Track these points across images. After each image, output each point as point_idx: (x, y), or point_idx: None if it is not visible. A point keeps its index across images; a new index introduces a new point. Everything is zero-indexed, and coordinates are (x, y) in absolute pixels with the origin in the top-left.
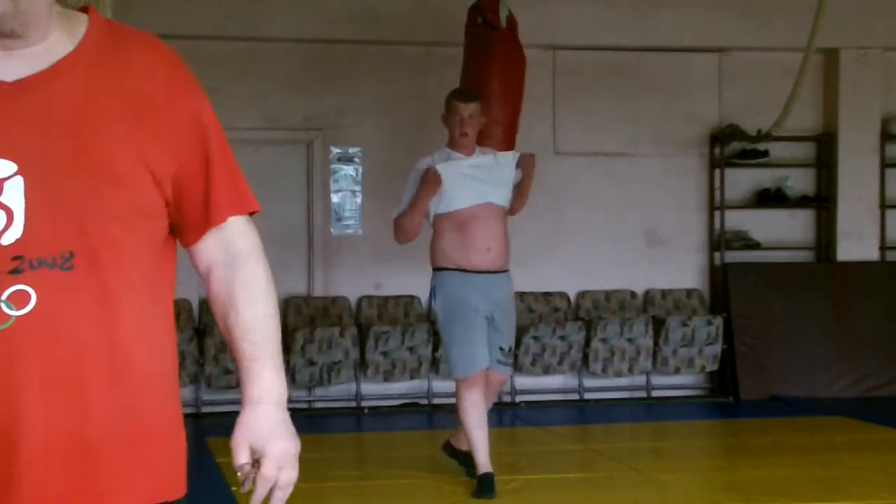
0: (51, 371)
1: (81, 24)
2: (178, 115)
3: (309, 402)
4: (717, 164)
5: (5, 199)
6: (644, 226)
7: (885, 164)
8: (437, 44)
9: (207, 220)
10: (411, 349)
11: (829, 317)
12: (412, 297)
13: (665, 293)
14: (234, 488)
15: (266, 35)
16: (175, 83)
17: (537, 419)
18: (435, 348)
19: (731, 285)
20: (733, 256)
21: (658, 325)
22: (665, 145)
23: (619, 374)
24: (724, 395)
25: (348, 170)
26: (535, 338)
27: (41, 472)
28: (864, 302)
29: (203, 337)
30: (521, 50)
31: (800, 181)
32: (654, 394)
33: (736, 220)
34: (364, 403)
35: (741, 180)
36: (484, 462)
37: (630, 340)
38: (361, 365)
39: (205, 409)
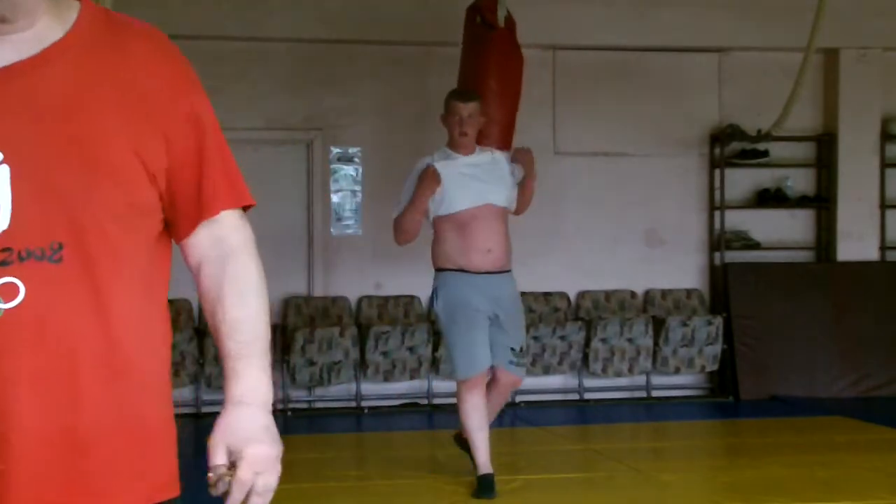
0: (41, 365)
1: (73, 10)
2: (175, 108)
3: (309, 402)
4: (717, 164)
5: None
6: (644, 226)
7: (885, 164)
8: (437, 44)
9: (200, 212)
10: (411, 349)
11: (829, 317)
12: (412, 297)
13: (665, 293)
14: None
15: (266, 35)
16: (172, 76)
17: (537, 419)
18: (435, 348)
19: (731, 285)
20: (733, 256)
21: (658, 325)
22: (665, 145)
23: (619, 374)
24: (724, 395)
25: (348, 170)
26: (535, 338)
27: (33, 469)
28: (864, 302)
29: (203, 337)
30: (519, 50)
31: (800, 181)
32: (654, 394)
33: (736, 220)
34: (364, 403)
35: (741, 180)
36: (484, 462)
37: (630, 340)
38: (361, 365)
39: (205, 409)
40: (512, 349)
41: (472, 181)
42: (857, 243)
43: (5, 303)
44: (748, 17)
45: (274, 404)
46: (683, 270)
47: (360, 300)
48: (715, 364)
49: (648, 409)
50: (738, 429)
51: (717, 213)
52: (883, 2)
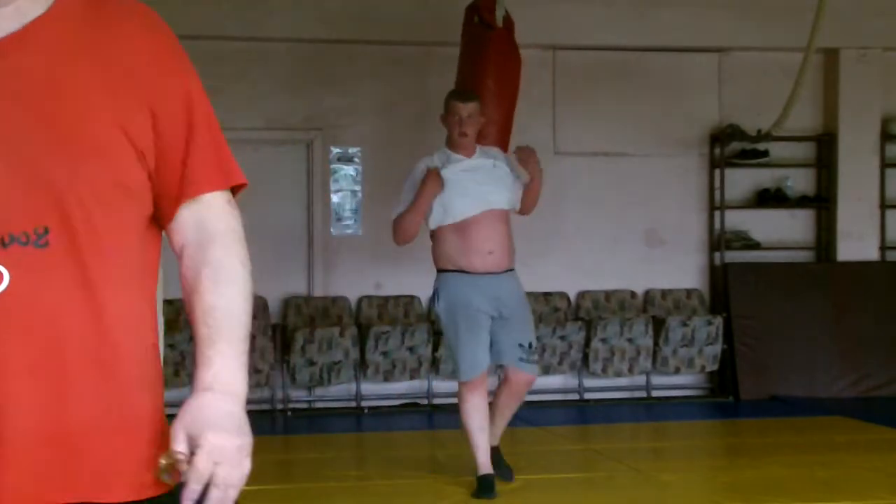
0: (29, 355)
1: None
2: (162, 83)
3: (309, 402)
4: (717, 164)
5: None
6: (644, 226)
7: (885, 164)
8: (437, 44)
9: (182, 190)
10: (411, 349)
11: (829, 317)
12: (412, 297)
13: (665, 293)
14: None
15: (266, 35)
16: (159, 51)
17: (537, 419)
18: (435, 348)
19: (731, 285)
20: (733, 256)
21: (658, 325)
22: (665, 145)
23: (619, 374)
24: (724, 395)
25: (348, 170)
26: (536, 338)
27: (24, 460)
28: (864, 302)
29: None
30: (517, 50)
31: (800, 181)
32: (654, 394)
33: (736, 220)
34: (364, 403)
35: (741, 180)
36: (484, 462)
37: (630, 340)
38: (361, 365)
39: None
40: (521, 345)
41: (473, 187)
42: (857, 243)
43: None
44: (748, 17)
45: (274, 404)
46: (683, 270)
47: (360, 300)
48: (715, 364)
49: (648, 409)
50: (738, 429)
51: (717, 213)
52: (883, 2)
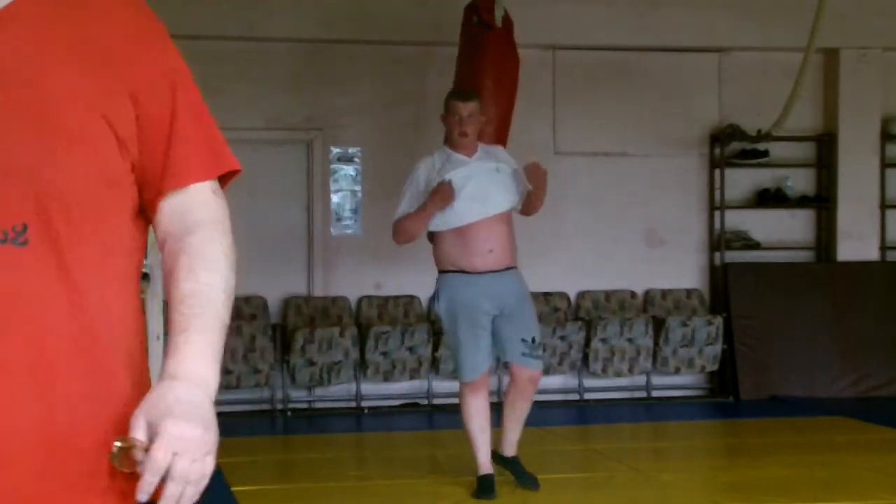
0: (12, 356)
1: None
2: (144, 67)
3: (309, 402)
4: (717, 164)
5: None
6: (644, 226)
7: (885, 164)
8: (437, 44)
9: (166, 181)
10: (411, 349)
11: (829, 317)
12: (412, 297)
13: (665, 293)
14: (234, 488)
15: (265, 35)
16: (138, 30)
17: (537, 419)
18: (435, 348)
19: (731, 285)
20: (733, 256)
21: (658, 325)
22: (665, 145)
23: (619, 374)
24: (724, 395)
25: (348, 170)
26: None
27: (11, 462)
28: (864, 302)
29: None
30: (515, 50)
31: (800, 181)
32: (654, 394)
33: (736, 220)
34: (364, 403)
35: (741, 180)
36: (485, 463)
37: (630, 340)
38: (361, 365)
39: None
40: (523, 340)
41: (474, 192)
42: (857, 243)
43: None
44: (748, 17)
45: (274, 404)
46: (683, 270)
47: (360, 300)
48: (715, 364)
49: (648, 409)
50: (738, 429)
51: (717, 213)
52: (883, 2)
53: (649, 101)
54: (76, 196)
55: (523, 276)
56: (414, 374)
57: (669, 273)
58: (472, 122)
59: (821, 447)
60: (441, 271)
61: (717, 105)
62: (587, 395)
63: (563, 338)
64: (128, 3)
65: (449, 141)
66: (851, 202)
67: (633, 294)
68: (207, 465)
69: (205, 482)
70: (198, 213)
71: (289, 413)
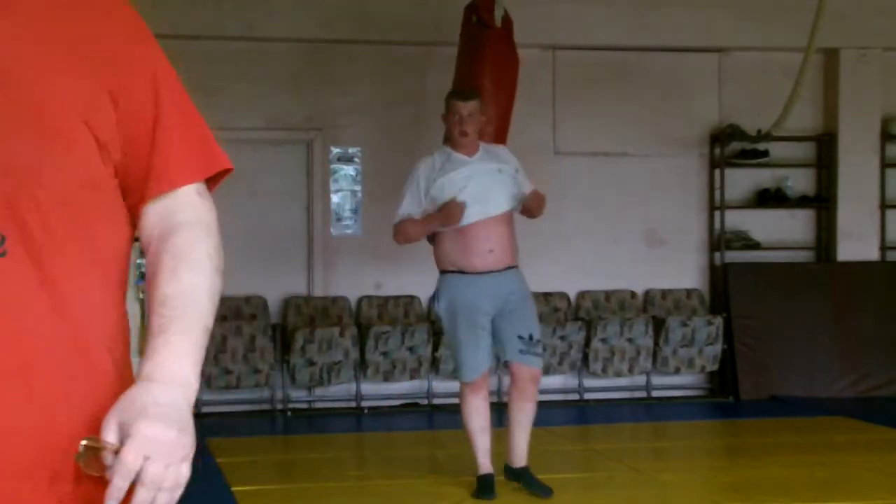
0: None
1: None
2: (122, 65)
3: (309, 402)
4: (717, 164)
5: None
6: (644, 226)
7: (885, 164)
8: (437, 44)
9: (150, 186)
10: (411, 349)
11: (829, 317)
12: (412, 297)
13: (665, 293)
14: (234, 488)
15: (265, 35)
16: (118, 29)
17: (537, 419)
18: (435, 348)
19: (731, 285)
20: (733, 256)
21: (658, 325)
22: (665, 145)
23: (619, 374)
24: (724, 395)
25: (348, 170)
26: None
27: (14, 464)
28: (864, 302)
29: None
30: (515, 50)
31: (800, 181)
32: (654, 394)
33: (736, 220)
34: (364, 403)
35: (741, 180)
36: (485, 462)
37: (630, 340)
38: (361, 365)
39: (205, 409)
40: (520, 337)
41: (475, 192)
42: (857, 243)
43: None
44: (748, 17)
45: (274, 404)
46: (683, 270)
47: (360, 300)
48: (715, 364)
49: (648, 409)
50: (738, 429)
51: (717, 213)
52: (883, 2)
53: (649, 101)
54: (56, 204)
55: (524, 276)
56: (414, 374)
57: (669, 273)
58: (473, 122)
59: (821, 447)
60: (441, 271)
61: (717, 105)
62: (587, 395)
63: (563, 338)
64: (105, 1)
65: (450, 140)
66: (851, 202)
67: (633, 294)
68: (183, 472)
69: (179, 491)
70: (182, 214)
71: (289, 413)
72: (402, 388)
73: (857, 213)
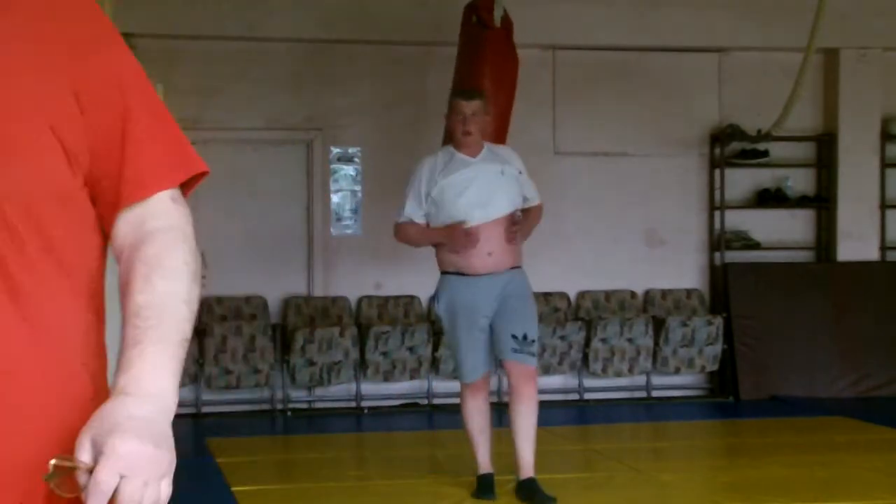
0: None
1: None
2: (88, 68)
3: (309, 402)
4: (717, 164)
5: None
6: (644, 226)
7: (885, 164)
8: (437, 44)
9: (121, 194)
10: (411, 349)
11: (829, 317)
12: (412, 297)
13: (665, 293)
14: (234, 488)
15: (265, 35)
16: (92, 29)
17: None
18: (435, 348)
19: (731, 285)
20: (733, 256)
21: (658, 325)
22: (665, 145)
23: (619, 374)
24: (724, 395)
25: (348, 170)
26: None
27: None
28: (864, 302)
29: (203, 337)
30: (514, 50)
31: (800, 181)
32: (654, 394)
33: (736, 220)
34: (364, 403)
35: (741, 180)
36: (485, 463)
37: (630, 340)
38: (361, 365)
39: (204, 409)
40: (514, 336)
41: (477, 195)
42: (857, 243)
43: None
44: (748, 17)
45: (274, 404)
46: (683, 270)
47: (360, 300)
48: (715, 364)
49: (648, 409)
50: (738, 429)
51: (717, 213)
52: (883, 2)
53: (649, 101)
54: (21, 212)
55: (527, 276)
56: (414, 374)
57: (669, 273)
58: (476, 121)
59: (821, 447)
60: (442, 272)
61: (717, 105)
62: (587, 395)
63: (563, 338)
64: (72, 3)
65: (453, 140)
66: (851, 202)
67: (633, 294)
68: (163, 490)
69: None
70: (155, 221)
71: (289, 413)
72: (402, 388)
73: (857, 213)
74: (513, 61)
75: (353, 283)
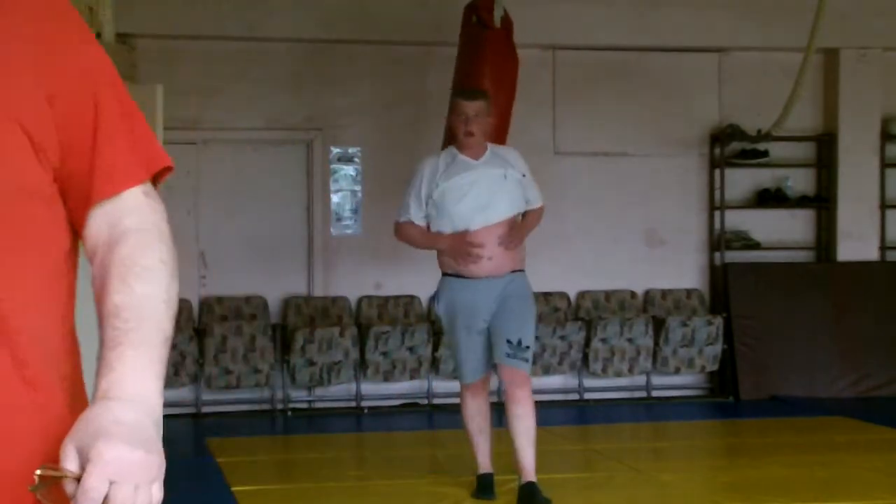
0: None
1: None
2: (59, 65)
3: (309, 402)
4: (717, 164)
5: None
6: (644, 226)
7: (885, 164)
8: (437, 44)
9: (92, 190)
10: (411, 349)
11: (829, 317)
12: (412, 297)
13: (665, 293)
14: (234, 488)
15: (265, 35)
16: (62, 26)
17: (537, 419)
18: (435, 348)
19: (731, 285)
20: (733, 256)
21: (658, 325)
22: (665, 145)
23: (619, 374)
24: (724, 395)
25: (348, 170)
26: (536, 338)
27: None
28: (864, 302)
29: (203, 337)
30: (514, 50)
31: (800, 181)
32: (654, 394)
33: (736, 220)
34: (364, 403)
35: (741, 180)
36: (484, 462)
37: (630, 340)
38: (361, 365)
39: (204, 410)
40: (508, 341)
41: (478, 199)
42: (857, 243)
43: None
44: (748, 17)
45: (274, 404)
46: (683, 270)
47: (360, 300)
48: (715, 364)
49: (648, 409)
50: (738, 429)
51: (717, 213)
52: (883, 2)
53: (649, 101)
54: None
55: (528, 280)
56: (414, 374)
57: (669, 273)
58: (479, 122)
59: (821, 447)
60: (443, 273)
61: (717, 105)
62: (587, 395)
63: (562, 338)
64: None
65: (455, 141)
66: (851, 202)
67: (633, 294)
68: (154, 495)
69: None
70: (129, 219)
71: (289, 413)
72: (402, 388)
73: (857, 213)
74: (513, 61)
75: (353, 283)
